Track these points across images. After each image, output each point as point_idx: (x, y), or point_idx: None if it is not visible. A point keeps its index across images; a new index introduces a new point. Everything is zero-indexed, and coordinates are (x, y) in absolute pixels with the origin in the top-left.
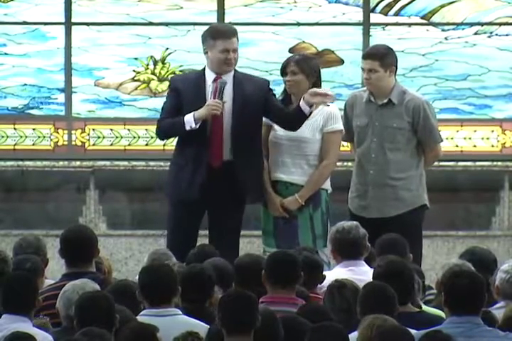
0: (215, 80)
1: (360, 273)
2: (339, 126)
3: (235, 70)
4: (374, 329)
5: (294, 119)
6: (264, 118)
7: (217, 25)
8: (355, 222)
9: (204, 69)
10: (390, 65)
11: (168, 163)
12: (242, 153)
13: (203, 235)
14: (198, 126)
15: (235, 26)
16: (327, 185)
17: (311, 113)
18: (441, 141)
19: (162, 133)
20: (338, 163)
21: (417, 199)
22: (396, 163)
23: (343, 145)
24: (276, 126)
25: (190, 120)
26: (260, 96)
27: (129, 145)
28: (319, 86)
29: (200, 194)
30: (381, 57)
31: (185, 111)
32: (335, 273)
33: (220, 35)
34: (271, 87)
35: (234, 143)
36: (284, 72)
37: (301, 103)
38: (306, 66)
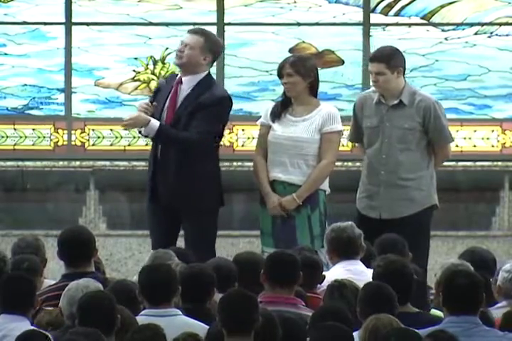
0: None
1: (358, 273)
2: (338, 126)
3: (211, 77)
4: (369, 332)
5: None
6: (262, 119)
7: None
8: (350, 222)
9: None
10: (396, 67)
11: None
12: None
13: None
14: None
15: (235, 26)
16: (325, 185)
17: None
18: (452, 140)
19: None
20: (338, 163)
21: (428, 199)
22: (407, 164)
23: (342, 145)
24: (275, 126)
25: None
26: (201, 107)
27: (129, 145)
28: (317, 86)
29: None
30: (387, 59)
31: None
32: (333, 273)
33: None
34: (227, 100)
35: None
36: (280, 74)
37: None
38: (302, 67)
